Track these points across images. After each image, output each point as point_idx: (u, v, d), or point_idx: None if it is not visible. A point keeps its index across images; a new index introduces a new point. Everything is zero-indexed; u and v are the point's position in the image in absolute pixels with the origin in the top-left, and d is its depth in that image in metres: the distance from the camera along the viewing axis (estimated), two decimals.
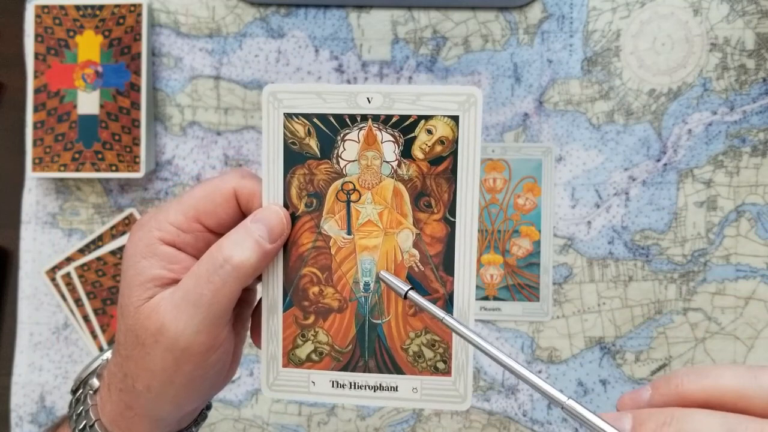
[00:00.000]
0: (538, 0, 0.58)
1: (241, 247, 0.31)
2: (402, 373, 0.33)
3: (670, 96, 0.57)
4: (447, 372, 0.33)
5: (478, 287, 0.58)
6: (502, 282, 0.58)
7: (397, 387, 0.33)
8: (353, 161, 0.32)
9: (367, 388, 0.33)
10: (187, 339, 0.31)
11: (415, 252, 0.32)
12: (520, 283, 0.58)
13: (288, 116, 0.32)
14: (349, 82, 0.59)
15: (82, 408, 0.35)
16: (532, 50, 0.58)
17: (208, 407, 0.39)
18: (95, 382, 0.35)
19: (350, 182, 0.32)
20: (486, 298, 0.58)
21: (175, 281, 0.32)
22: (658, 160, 0.57)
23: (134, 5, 0.58)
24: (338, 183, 0.32)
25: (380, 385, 0.33)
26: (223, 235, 0.32)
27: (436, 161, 0.32)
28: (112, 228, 0.60)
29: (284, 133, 0.32)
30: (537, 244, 0.58)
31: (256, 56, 0.59)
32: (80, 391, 0.36)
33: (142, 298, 0.31)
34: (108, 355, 0.36)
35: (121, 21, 0.58)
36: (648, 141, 0.57)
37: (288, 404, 0.59)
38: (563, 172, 0.58)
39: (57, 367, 0.60)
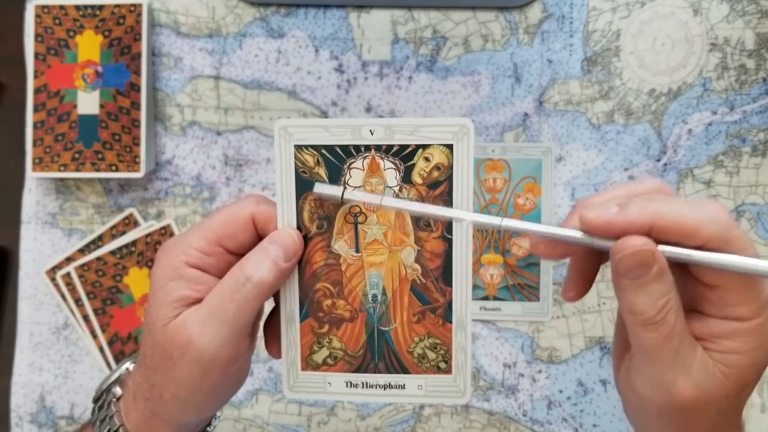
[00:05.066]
0: (538, 0, 0.58)
1: (260, 266, 0.34)
2: (408, 373, 0.37)
3: (670, 96, 0.57)
4: (448, 371, 0.36)
5: (478, 287, 0.58)
6: (502, 282, 0.58)
7: (404, 385, 0.37)
8: (359, 187, 0.35)
9: (377, 387, 0.37)
10: (213, 351, 0.34)
11: (417, 266, 0.36)
12: (520, 283, 0.58)
13: (298, 147, 0.35)
14: (349, 82, 0.59)
15: (105, 414, 0.37)
16: (532, 50, 0.58)
17: (219, 412, 0.42)
18: (117, 390, 0.38)
19: (357, 206, 0.35)
20: (486, 298, 0.58)
21: (199, 300, 0.35)
22: (658, 160, 0.57)
23: (134, 5, 0.58)
24: (346, 207, 0.35)
25: (389, 384, 0.37)
26: (242, 256, 0.35)
27: (433, 185, 0.35)
28: (112, 228, 0.60)
29: (295, 163, 0.35)
30: None
31: (256, 56, 0.59)
32: (102, 398, 0.38)
33: (169, 316, 0.34)
34: (128, 365, 0.39)
35: (121, 21, 0.58)
36: (648, 141, 0.57)
37: (288, 404, 0.59)
38: (563, 172, 0.58)
39: (57, 367, 0.60)
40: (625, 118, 0.58)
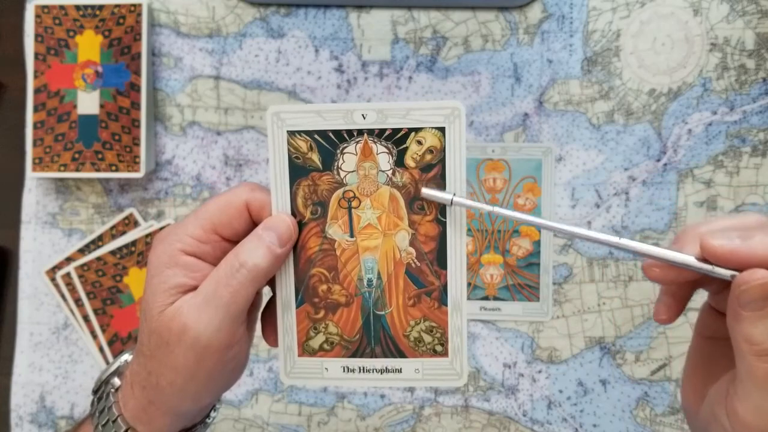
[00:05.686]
0: (538, 0, 0.58)
1: (255, 252, 0.34)
2: (405, 357, 0.37)
3: (670, 96, 0.57)
4: (444, 353, 0.37)
5: (478, 287, 0.58)
6: (502, 282, 0.58)
7: (401, 369, 0.37)
8: (352, 172, 0.35)
9: (374, 371, 0.37)
10: (208, 337, 0.34)
11: (412, 250, 0.36)
12: (520, 283, 0.58)
13: (291, 133, 0.35)
14: (349, 82, 0.59)
15: (104, 405, 0.37)
16: (532, 50, 0.58)
17: (218, 404, 0.42)
18: (116, 381, 0.38)
19: (351, 191, 0.36)
20: (486, 298, 0.58)
21: (194, 287, 0.35)
22: (658, 160, 0.57)
23: (134, 5, 0.58)
24: (340, 192, 0.36)
25: (386, 368, 0.37)
26: (237, 243, 0.35)
27: (426, 168, 0.35)
28: (112, 228, 0.60)
29: (288, 149, 0.35)
30: (537, 244, 0.58)
31: (256, 56, 0.59)
32: (102, 389, 0.38)
33: (165, 303, 0.34)
34: (127, 356, 0.39)
35: (121, 21, 0.58)
36: (648, 141, 0.57)
37: (288, 404, 0.59)
38: (563, 172, 0.58)
39: (57, 367, 0.60)
40: (625, 118, 0.58)
